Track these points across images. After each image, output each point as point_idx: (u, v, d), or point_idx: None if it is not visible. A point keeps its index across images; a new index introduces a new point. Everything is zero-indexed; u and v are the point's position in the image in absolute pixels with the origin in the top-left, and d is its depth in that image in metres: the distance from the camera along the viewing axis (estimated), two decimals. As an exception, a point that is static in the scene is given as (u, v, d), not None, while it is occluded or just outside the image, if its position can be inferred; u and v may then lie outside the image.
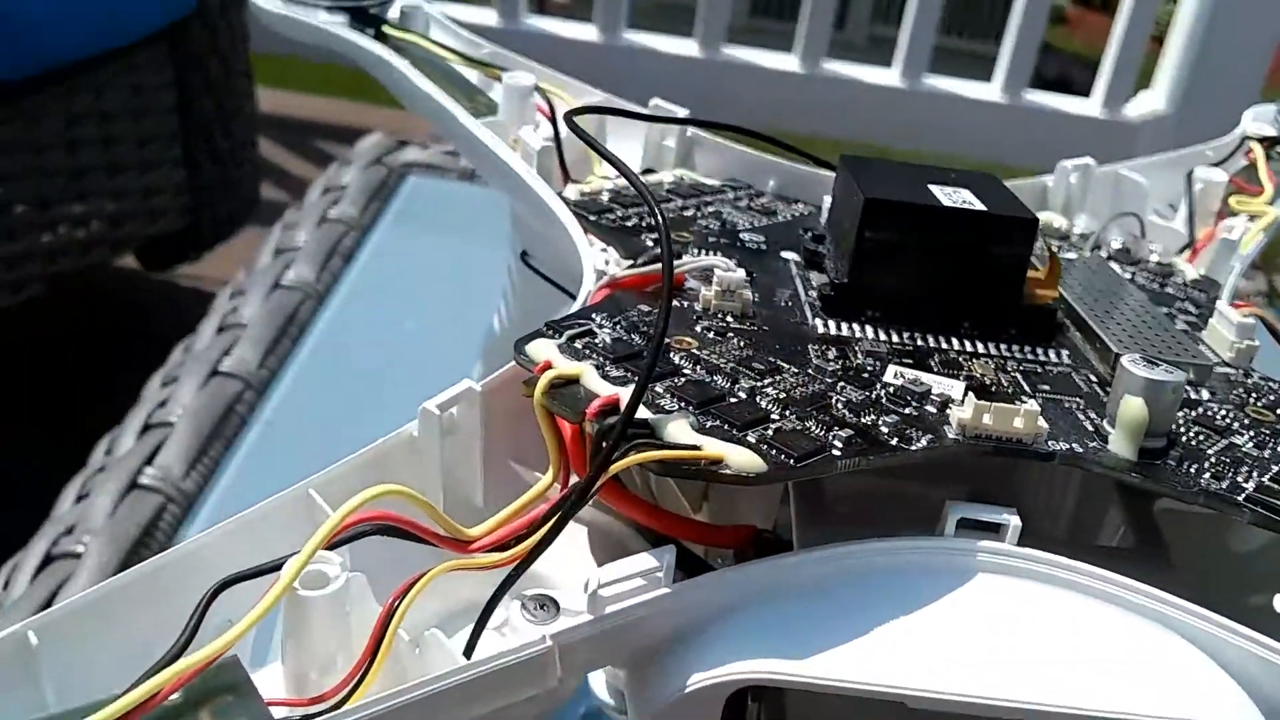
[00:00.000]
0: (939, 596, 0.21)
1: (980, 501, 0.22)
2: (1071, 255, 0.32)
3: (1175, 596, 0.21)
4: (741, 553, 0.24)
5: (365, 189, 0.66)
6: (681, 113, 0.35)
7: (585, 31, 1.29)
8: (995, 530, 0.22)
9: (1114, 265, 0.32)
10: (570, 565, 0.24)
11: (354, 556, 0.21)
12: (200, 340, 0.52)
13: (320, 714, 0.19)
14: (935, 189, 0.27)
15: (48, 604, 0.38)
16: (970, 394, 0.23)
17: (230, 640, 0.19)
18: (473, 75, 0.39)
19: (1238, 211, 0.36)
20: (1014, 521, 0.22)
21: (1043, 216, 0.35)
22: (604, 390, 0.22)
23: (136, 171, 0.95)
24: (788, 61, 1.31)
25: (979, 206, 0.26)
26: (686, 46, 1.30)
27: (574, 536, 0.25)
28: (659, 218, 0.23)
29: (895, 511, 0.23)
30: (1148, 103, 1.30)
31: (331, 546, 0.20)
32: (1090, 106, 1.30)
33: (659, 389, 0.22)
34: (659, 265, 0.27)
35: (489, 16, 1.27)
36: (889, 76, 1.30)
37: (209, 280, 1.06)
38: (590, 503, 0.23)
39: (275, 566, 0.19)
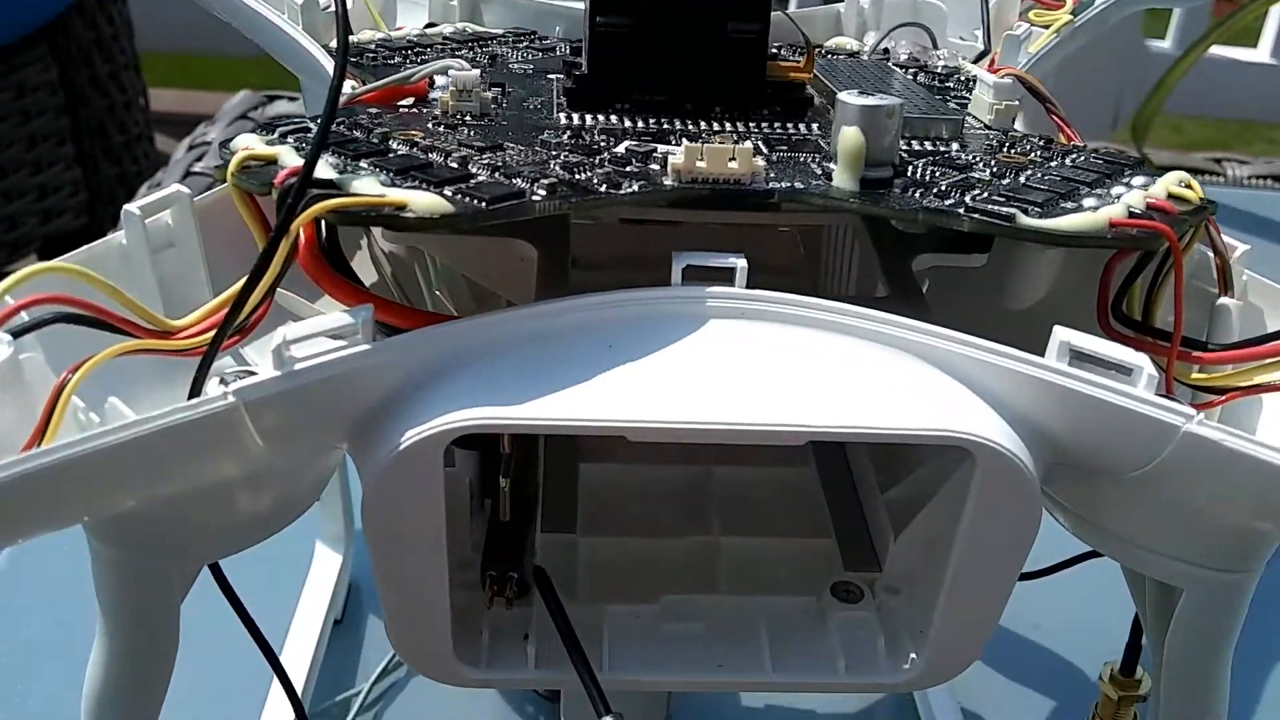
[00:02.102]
0: (667, 342, 0.21)
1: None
2: (860, 59, 0.32)
3: (908, 320, 0.21)
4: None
5: (230, 142, 0.65)
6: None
7: None
8: (727, 278, 0.22)
9: (895, 69, 0.32)
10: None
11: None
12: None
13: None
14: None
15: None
16: (685, 140, 0.22)
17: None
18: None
19: (1034, 24, 0.36)
20: (740, 264, 0.21)
21: (834, 41, 0.35)
22: (299, 163, 0.21)
23: (29, 171, 0.94)
24: None
25: (710, -16, 0.26)
26: None
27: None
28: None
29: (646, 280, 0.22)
30: None
31: (18, 334, 0.19)
32: None
33: (362, 164, 0.21)
34: (392, 77, 0.26)
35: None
36: None
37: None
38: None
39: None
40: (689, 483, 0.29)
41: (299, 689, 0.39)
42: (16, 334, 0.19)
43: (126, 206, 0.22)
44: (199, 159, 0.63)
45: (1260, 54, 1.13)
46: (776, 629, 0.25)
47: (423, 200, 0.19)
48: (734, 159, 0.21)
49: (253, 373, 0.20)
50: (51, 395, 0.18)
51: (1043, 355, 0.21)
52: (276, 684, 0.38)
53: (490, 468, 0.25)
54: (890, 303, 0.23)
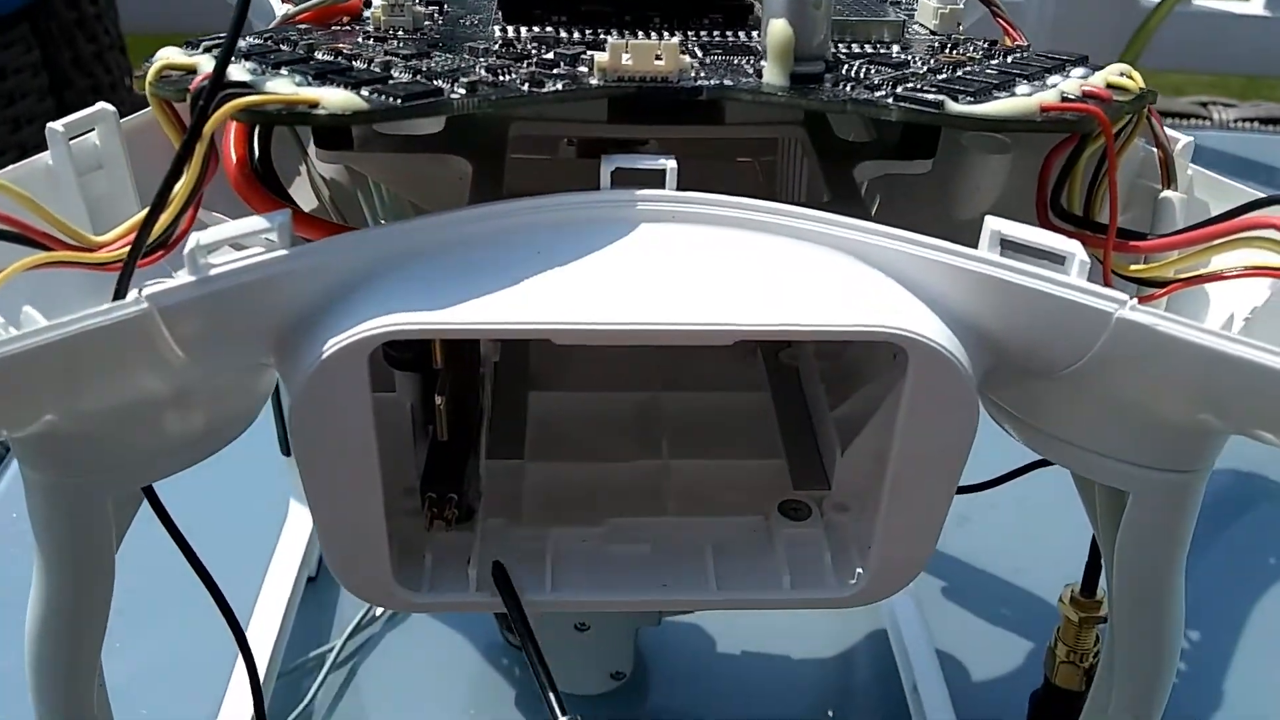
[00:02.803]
0: (597, 245, 0.20)
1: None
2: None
3: (842, 218, 0.21)
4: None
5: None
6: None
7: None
8: (658, 182, 0.21)
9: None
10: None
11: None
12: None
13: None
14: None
15: None
16: (610, 39, 0.22)
17: None
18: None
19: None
20: (670, 164, 0.21)
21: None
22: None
23: (14, 156, 0.93)
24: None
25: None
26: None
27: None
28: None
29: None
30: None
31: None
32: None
33: (282, 70, 0.21)
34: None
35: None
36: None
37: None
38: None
39: None
40: (640, 408, 0.28)
41: (271, 645, 0.39)
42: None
43: (50, 125, 0.22)
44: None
45: (1253, 6, 1.12)
46: (723, 548, 0.25)
47: (335, 97, 0.19)
48: (660, 56, 0.21)
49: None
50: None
51: None
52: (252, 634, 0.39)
53: (431, 390, 0.25)
54: (829, 207, 0.23)
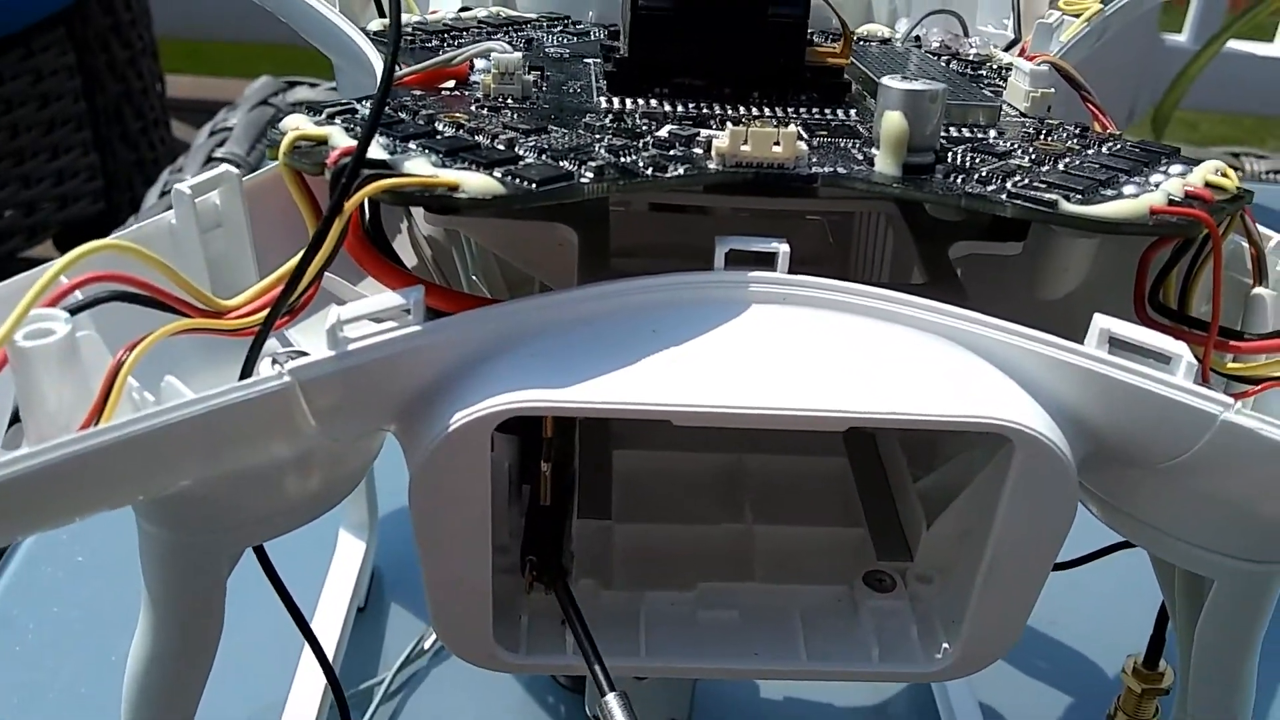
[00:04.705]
0: (711, 326, 0.21)
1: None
2: (891, 47, 0.32)
3: (947, 305, 0.21)
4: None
5: (251, 128, 0.65)
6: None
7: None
8: (769, 262, 0.22)
9: (929, 55, 0.32)
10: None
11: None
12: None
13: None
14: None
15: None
16: (728, 124, 0.22)
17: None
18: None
19: (1064, 13, 0.36)
20: (783, 249, 0.21)
21: (865, 28, 0.35)
22: (351, 143, 0.21)
23: (46, 157, 0.94)
24: None
25: (753, -30, 0.26)
26: None
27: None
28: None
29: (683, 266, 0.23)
30: None
31: (76, 311, 0.19)
32: None
33: (411, 145, 0.22)
34: (435, 60, 0.26)
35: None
36: None
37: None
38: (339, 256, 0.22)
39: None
40: (722, 470, 0.29)
41: (323, 679, 0.39)
42: (73, 311, 0.20)
43: (177, 186, 0.22)
44: (220, 144, 0.63)
45: (1276, 48, 1.13)
46: (810, 617, 0.25)
47: (475, 181, 0.20)
48: (778, 143, 0.22)
49: (303, 353, 0.21)
50: (108, 374, 0.19)
51: (1080, 344, 0.21)
52: (303, 662, 0.39)
53: (529, 453, 0.25)
54: (928, 290, 0.24)
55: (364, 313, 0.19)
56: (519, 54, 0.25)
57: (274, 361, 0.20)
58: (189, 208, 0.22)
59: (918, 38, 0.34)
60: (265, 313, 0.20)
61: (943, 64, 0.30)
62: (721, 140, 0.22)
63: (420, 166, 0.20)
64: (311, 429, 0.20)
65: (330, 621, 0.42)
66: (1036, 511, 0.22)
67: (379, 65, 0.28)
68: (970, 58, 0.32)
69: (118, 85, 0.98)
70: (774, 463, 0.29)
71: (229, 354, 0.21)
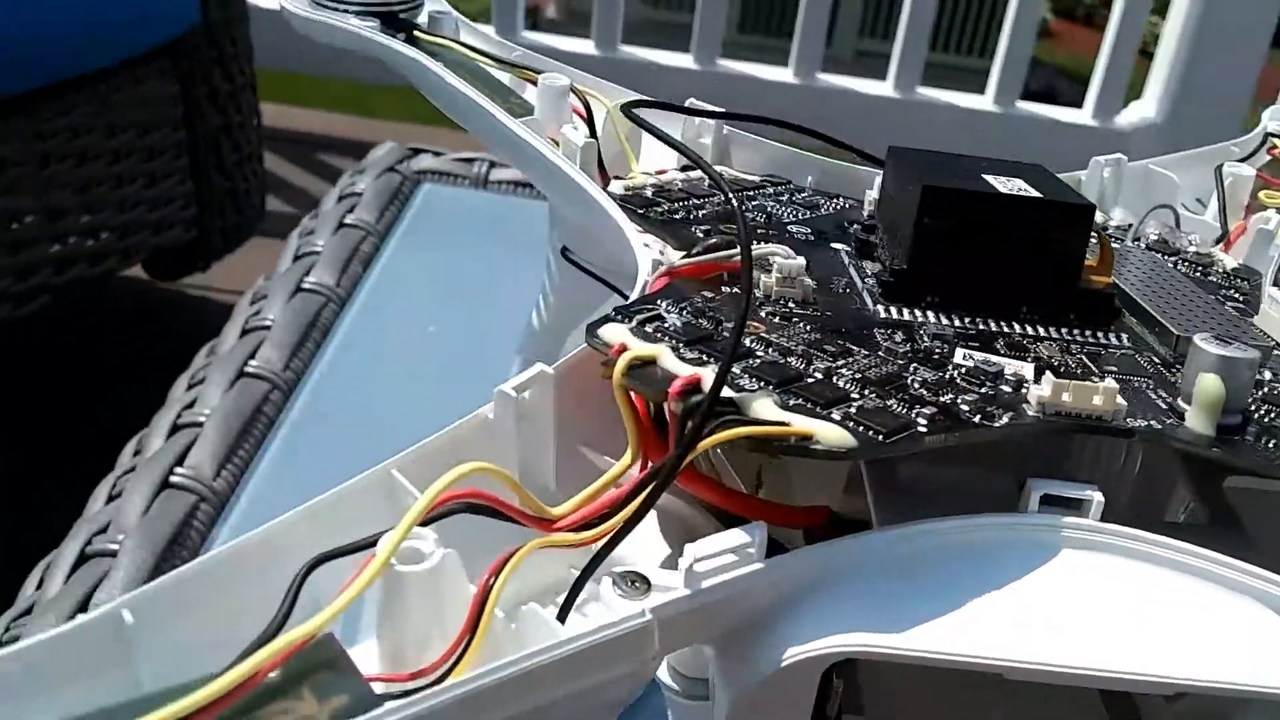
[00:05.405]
0: (1026, 571, 0.22)
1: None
2: (1115, 246, 0.33)
3: (1259, 569, 0.22)
4: (811, 534, 0.24)
5: (380, 195, 0.66)
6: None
7: (583, 45, 1.30)
8: (1077, 506, 0.22)
9: (1155, 254, 0.33)
10: (645, 546, 0.24)
11: (441, 535, 0.21)
12: (225, 343, 0.52)
13: (422, 689, 0.19)
14: (989, 178, 0.27)
15: (85, 603, 0.38)
16: (1047, 373, 0.23)
17: (328, 617, 0.19)
18: (504, 78, 0.39)
19: (1267, 205, 0.37)
20: (1097, 497, 0.22)
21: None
22: (682, 370, 0.22)
23: (144, 183, 0.95)
24: (782, 74, 1.32)
25: (1034, 194, 0.27)
26: (682, 60, 1.31)
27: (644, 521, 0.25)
28: (729, 195, 0.23)
29: (964, 493, 0.23)
30: (1138, 111, 1.32)
31: (424, 524, 0.20)
32: (1082, 116, 1.31)
33: (736, 369, 0.22)
34: (718, 253, 0.27)
35: (487, 30, 1.28)
36: (883, 88, 1.31)
37: (216, 291, 1.06)
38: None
39: (369, 544, 0.20)
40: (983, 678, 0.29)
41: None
42: (425, 523, 0.20)
43: (501, 388, 0.23)
44: (350, 210, 0.64)
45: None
46: None
47: (830, 434, 0.20)
48: (1099, 396, 0.22)
49: (641, 576, 0.21)
50: (478, 597, 0.19)
51: None
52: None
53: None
54: (1207, 532, 0.24)
55: (715, 550, 0.20)
56: (801, 260, 0.26)
57: (614, 584, 0.21)
58: (511, 407, 0.23)
59: (1137, 236, 0.34)
60: (604, 528, 0.21)
61: (1182, 276, 0.31)
62: (1043, 390, 0.22)
63: (766, 409, 0.21)
64: (655, 656, 0.20)
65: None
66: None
67: (629, 229, 0.29)
68: (1190, 256, 0.33)
69: (218, 117, 1.00)
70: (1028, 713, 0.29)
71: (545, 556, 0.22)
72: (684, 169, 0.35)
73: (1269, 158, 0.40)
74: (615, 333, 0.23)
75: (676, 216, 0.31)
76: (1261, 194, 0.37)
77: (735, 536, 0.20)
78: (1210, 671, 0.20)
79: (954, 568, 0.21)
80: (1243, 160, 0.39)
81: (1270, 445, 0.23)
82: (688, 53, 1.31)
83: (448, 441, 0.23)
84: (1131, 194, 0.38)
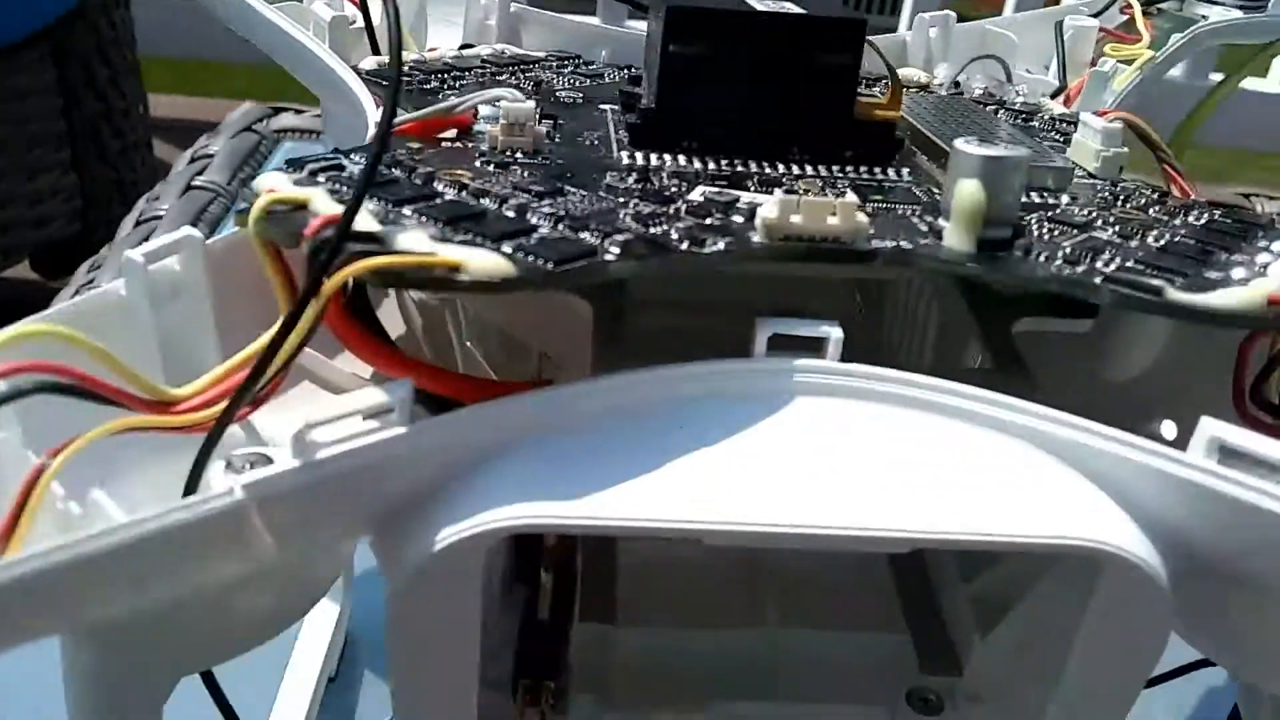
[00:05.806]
0: (749, 423, 0.18)
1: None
2: (930, 96, 0.29)
3: (1028, 403, 0.18)
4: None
5: (234, 155, 0.62)
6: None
7: None
8: (816, 347, 0.19)
9: (981, 106, 0.29)
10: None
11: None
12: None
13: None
14: (752, 1, 0.24)
15: None
16: (776, 191, 0.19)
17: None
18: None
19: (1110, 58, 0.33)
20: (835, 334, 0.18)
21: (901, 72, 0.32)
22: (335, 210, 0.18)
23: (22, 176, 0.91)
24: None
25: (795, 10, 0.23)
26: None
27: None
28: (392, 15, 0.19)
29: (703, 345, 0.19)
30: None
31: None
32: None
33: (406, 211, 0.19)
34: (434, 108, 0.23)
35: None
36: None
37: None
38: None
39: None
40: (742, 563, 0.26)
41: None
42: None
43: (128, 253, 0.19)
44: (200, 172, 0.60)
45: (1270, 84, 1.11)
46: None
47: (481, 261, 0.16)
48: (835, 214, 0.18)
49: (265, 457, 0.17)
50: (24, 485, 0.15)
51: (1152, 438, 0.18)
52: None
53: (526, 554, 0.22)
54: (994, 378, 0.20)
55: (341, 413, 0.16)
56: (531, 103, 0.22)
57: (228, 466, 0.17)
58: (141, 280, 0.19)
59: (957, 84, 0.31)
60: (221, 406, 0.17)
61: (990, 114, 0.27)
62: (768, 210, 0.19)
63: (416, 241, 0.17)
64: (269, 547, 0.16)
65: (297, 693, 0.39)
66: (1124, 638, 0.19)
67: (372, 110, 0.25)
68: (1017, 107, 0.29)
69: (98, 104, 0.95)
70: (802, 558, 0.26)
71: (185, 446, 0.18)
72: (462, 48, 0.32)
73: (1124, 17, 0.37)
74: (271, 179, 0.19)
75: (427, 87, 0.27)
76: (1107, 48, 0.34)
77: (369, 396, 0.16)
78: (951, 524, 0.17)
79: (659, 423, 0.18)
80: (1094, 17, 0.36)
81: (1041, 258, 0.19)
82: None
83: (74, 314, 0.19)
84: (964, 55, 0.35)
